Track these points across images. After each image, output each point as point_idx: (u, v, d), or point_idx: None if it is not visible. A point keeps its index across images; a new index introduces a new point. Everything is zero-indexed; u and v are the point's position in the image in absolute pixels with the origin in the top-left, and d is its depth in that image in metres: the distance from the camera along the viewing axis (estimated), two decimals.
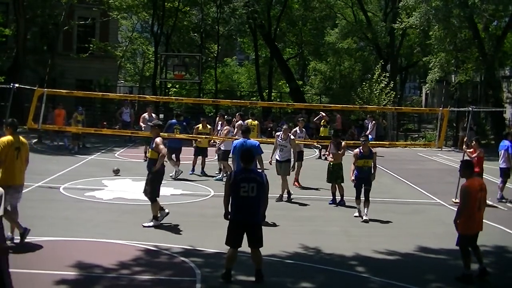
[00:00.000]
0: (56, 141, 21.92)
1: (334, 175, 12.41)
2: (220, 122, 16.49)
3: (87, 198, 12.10)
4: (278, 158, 12.79)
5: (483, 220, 7.78)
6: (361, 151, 11.28)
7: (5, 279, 5.41)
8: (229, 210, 7.14)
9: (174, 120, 16.12)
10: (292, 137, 13.21)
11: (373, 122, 23.48)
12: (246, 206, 6.98)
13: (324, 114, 21.71)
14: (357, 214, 11.24)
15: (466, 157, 12.93)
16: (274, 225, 10.08)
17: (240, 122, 15.82)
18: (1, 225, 5.28)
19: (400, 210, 12.19)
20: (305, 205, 12.27)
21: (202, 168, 16.03)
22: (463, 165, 7.92)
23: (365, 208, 11.00)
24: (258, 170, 9.92)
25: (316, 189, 14.03)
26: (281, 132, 13.18)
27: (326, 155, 14.11)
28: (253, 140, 11.22)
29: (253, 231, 7.05)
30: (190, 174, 15.64)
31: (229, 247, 7.14)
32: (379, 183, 15.91)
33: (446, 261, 8.56)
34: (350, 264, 8.25)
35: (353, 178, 11.33)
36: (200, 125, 16.35)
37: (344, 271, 7.91)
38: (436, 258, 8.72)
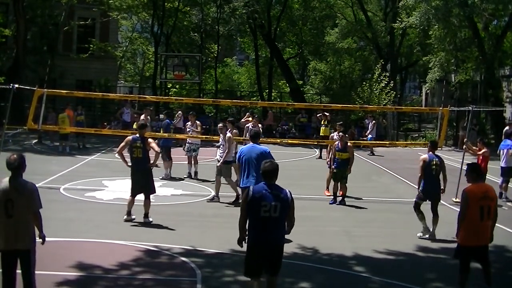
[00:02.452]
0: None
1: (339, 174, 12.38)
2: (189, 123, 15.93)
3: (88, 198, 12.11)
4: (219, 158, 12.50)
5: None
6: (435, 154, 9.85)
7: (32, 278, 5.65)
8: (244, 234, 6.05)
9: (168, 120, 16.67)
10: (228, 134, 12.54)
11: (373, 121, 23.51)
12: (268, 228, 5.85)
13: (327, 114, 21.85)
14: (420, 234, 9.80)
15: (467, 156, 12.94)
16: None
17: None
18: None
19: (400, 210, 12.17)
20: (305, 205, 12.27)
21: None
22: (468, 168, 7.11)
23: (433, 225, 9.78)
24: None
25: (316, 189, 14.04)
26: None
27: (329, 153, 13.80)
28: (263, 147, 9.62)
29: (274, 256, 5.97)
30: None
31: (249, 278, 6.10)
32: (379, 183, 15.99)
33: (446, 261, 8.55)
34: (350, 264, 8.26)
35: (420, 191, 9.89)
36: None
37: (344, 271, 7.92)
38: (436, 258, 8.73)
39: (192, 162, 15.37)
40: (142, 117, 17.37)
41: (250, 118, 19.61)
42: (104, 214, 10.76)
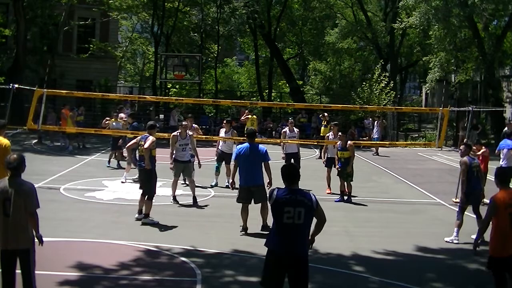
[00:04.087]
0: (60, 142, 21.78)
1: (344, 173, 12.47)
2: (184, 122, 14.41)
3: (87, 198, 12.10)
4: (178, 158, 11.86)
5: None
6: (472, 157, 9.52)
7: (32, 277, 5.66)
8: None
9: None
10: (190, 133, 12.20)
11: (379, 122, 23.53)
12: (290, 236, 5.44)
13: (326, 114, 22.03)
14: (451, 239, 9.44)
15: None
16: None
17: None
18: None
19: (400, 210, 12.19)
20: None
21: (118, 160, 16.52)
22: (495, 173, 6.66)
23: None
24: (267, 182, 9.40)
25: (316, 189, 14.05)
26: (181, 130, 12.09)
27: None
28: (260, 146, 9.86)
29: (297, 268, 5.47)
30: (107, 166, 16.33)
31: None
32: (379, 183, 15.99)
33: (446, 261, 8.56)
34: (350, 263, 8.26)
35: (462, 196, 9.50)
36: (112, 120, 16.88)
37: (344, 270, 7.92)
38: (435, 258, 8.72)
39: None
40: (122, 115, 17.29)
41: (250, 116, 19.69)
42: (104, 214, 10.75)
